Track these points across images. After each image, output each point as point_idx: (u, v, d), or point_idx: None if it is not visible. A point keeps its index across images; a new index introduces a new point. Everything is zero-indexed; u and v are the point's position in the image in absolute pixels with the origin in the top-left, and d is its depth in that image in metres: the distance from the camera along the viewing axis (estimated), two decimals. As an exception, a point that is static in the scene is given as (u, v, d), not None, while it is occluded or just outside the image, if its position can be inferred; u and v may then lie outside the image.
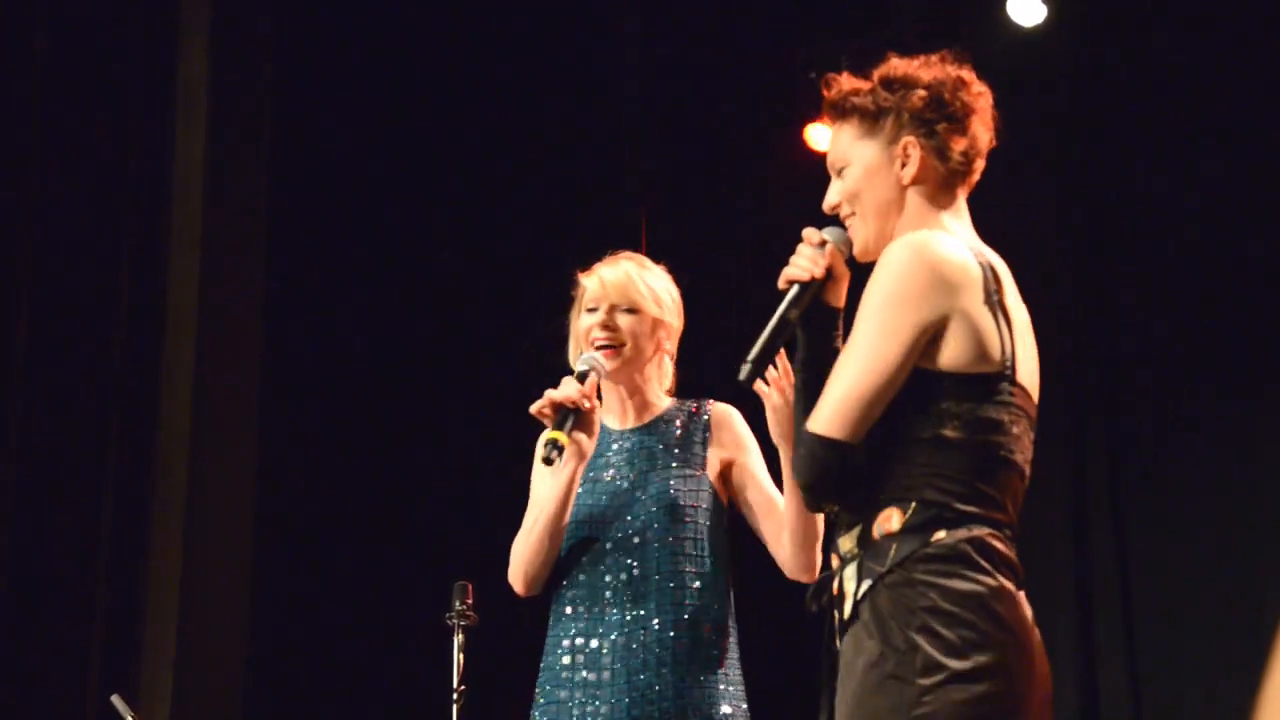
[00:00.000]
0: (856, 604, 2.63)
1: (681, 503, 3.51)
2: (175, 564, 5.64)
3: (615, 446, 3.63)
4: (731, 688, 3.49)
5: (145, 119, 5.77)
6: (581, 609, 3.53)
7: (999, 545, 2.62)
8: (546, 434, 3.45)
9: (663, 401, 3.66)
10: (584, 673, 3.49)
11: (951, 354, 2.61)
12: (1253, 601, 5.25)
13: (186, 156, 5.81)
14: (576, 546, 3.56)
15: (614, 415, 3.66)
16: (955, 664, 2.53)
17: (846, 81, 2.85)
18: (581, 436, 3.48)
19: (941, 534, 2.59)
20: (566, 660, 3.51)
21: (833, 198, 2.86)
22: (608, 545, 3.53)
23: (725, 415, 3.64)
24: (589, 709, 3.47)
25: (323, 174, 6.17)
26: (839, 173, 2.86)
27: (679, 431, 3.60)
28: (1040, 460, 5.60)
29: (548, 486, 3.55)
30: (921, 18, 6.17)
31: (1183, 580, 5.45)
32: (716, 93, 6.68)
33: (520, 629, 6.02)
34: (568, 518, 3.54)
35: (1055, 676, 5.48)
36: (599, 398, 3.58)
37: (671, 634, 3.46)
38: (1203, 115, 5.63)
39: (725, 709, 3.45)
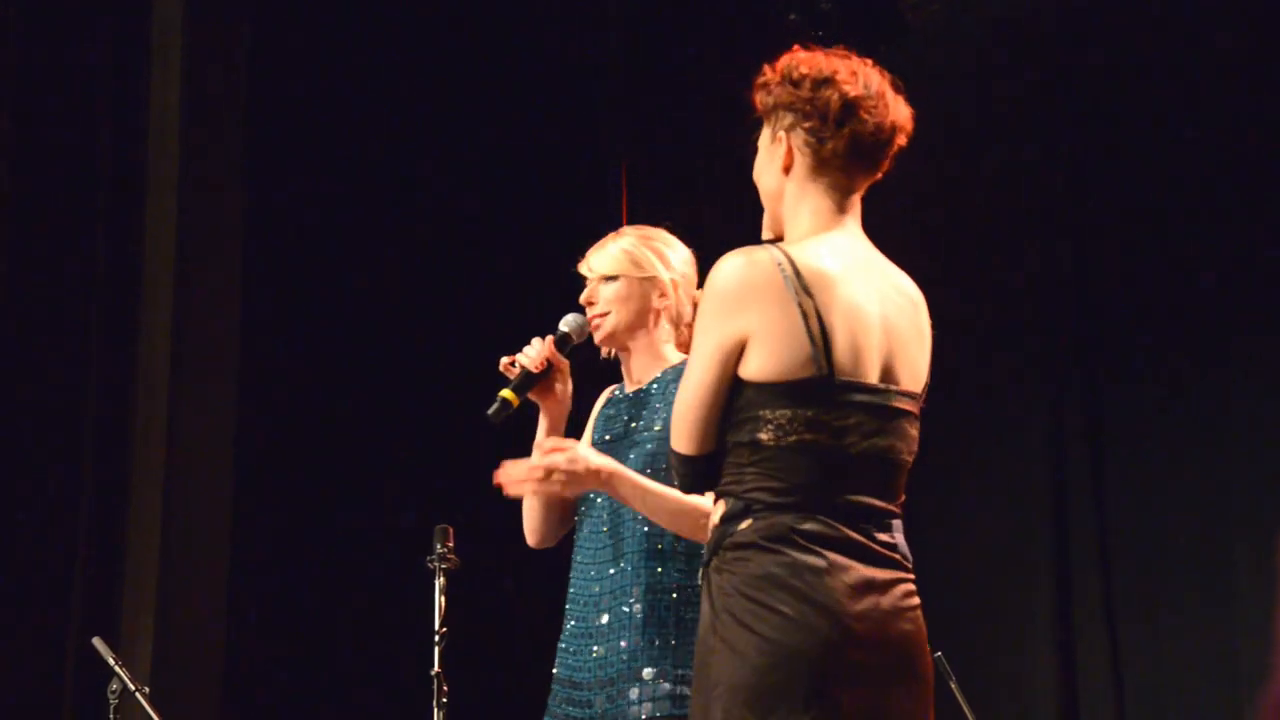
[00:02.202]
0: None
1: (663, 464, 3.48)
2: (155, 507, 5.65)
3: (619, 409, 3.71)
4: (673, 659, 3.49)
5: (117, 87, 5.79)
6: (579, 559, 3.64)
7: (813, 527, 2.75)
8: (501, 392, 3.58)
9: (672, 358, 3.69)
10: (573, 621, 3.60)
11: (757, 367, 2.78)
12: (1229, 577, 5.24)
13: (159, 132, 5.83)
14: (582, 503, 3.65)
15: (626, 379, 3.74)
16: (745, 639, 2.71)
17: (767, 74, 2.96)
18: (548, 399, 3.64)
19: (745, 524, 2.77)
20: (569, 607, 3.63)
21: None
22: (598, 501, 3.61)
23: None
24: (580, 658, 3.57)
25: (298, 133, 6.15)
26: None
27: (674, 388, 3.61)
28: (1019, 434, 5.60)
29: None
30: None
31: (1163, 558, 5.41)
32: (697, 48, 6.66)
33: (502, 572, 6.06)
34: None
35: (1032, 657, 5.49)
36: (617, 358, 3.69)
37: (632, 598, 3.52)
38: (1193, 78, 5.47)
39: (663, 684, 3.46)
